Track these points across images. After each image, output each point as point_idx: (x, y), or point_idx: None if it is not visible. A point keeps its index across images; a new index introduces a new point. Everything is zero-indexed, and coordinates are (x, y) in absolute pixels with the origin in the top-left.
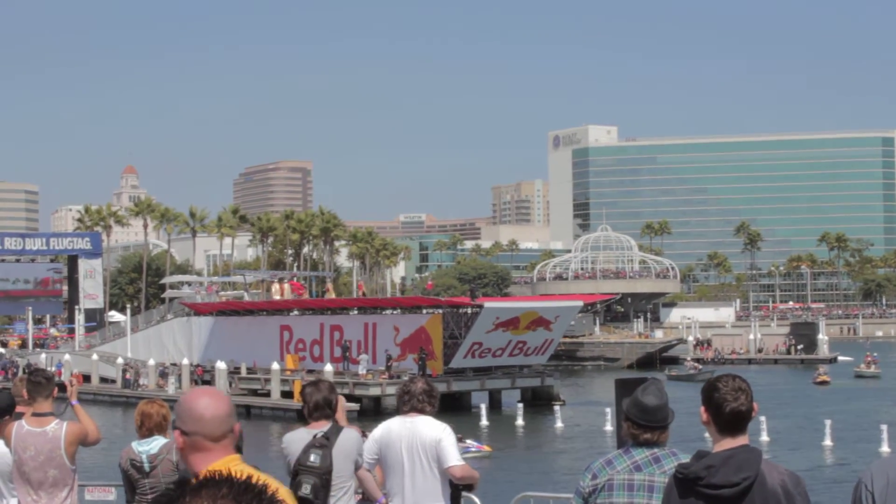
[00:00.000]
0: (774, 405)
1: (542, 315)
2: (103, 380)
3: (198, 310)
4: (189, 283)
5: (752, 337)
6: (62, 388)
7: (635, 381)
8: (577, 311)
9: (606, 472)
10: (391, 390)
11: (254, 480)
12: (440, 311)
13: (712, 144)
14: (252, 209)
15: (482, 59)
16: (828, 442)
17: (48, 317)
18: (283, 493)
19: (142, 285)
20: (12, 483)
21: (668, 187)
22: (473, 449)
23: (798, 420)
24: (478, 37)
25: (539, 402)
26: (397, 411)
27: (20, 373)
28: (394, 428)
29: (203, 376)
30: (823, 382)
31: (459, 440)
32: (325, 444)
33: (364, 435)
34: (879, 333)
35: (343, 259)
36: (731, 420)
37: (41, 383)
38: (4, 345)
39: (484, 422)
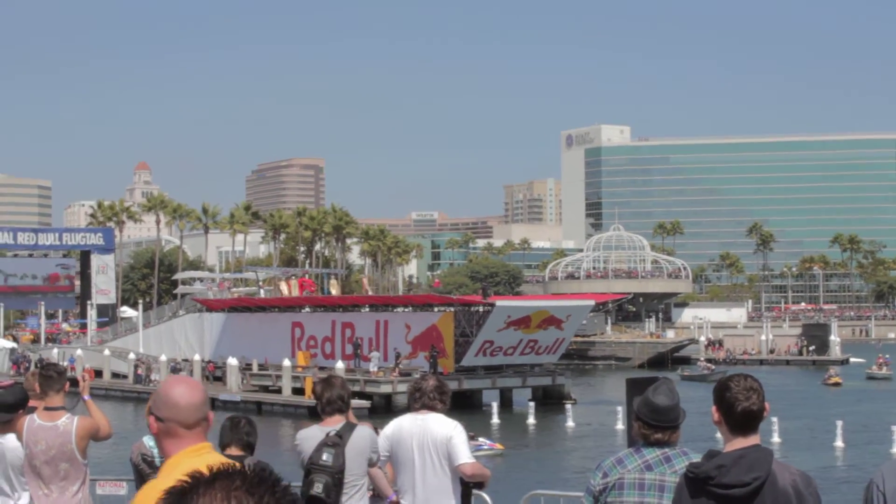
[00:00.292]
0: (786, 406)
1: (553, 314)
2: (115, 375)
3: (210, 306)
4: (201, 280)
5: (763, 338)
6: (74, 382)
7: (646, 381)
8: (589, 310)
9: (617, 470)
10: (402, 388)
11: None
12: (452, 309)
13: (725, 145)
14: (264, 206)
15: (496, 59)
16: (839, 443)
17: (60, 312)
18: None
19: (154, 281)
20: (24, 477)
21: (680, 187)
22: (486, 447)
23: (809, 421)
24: (492, 36)
25: (550, 400)
26: (408, 409)
27: (32, 367)
28: (405, 425)
29: (215, 372)
30: (836, 384)
31: (472, 438)
32: (337, 442)
33: (376, 432)
34: (892, 335)
35: (355, 256)
36: (742, 420)
37: (53, 377)
38: (17, 339)
39: (495, 420)
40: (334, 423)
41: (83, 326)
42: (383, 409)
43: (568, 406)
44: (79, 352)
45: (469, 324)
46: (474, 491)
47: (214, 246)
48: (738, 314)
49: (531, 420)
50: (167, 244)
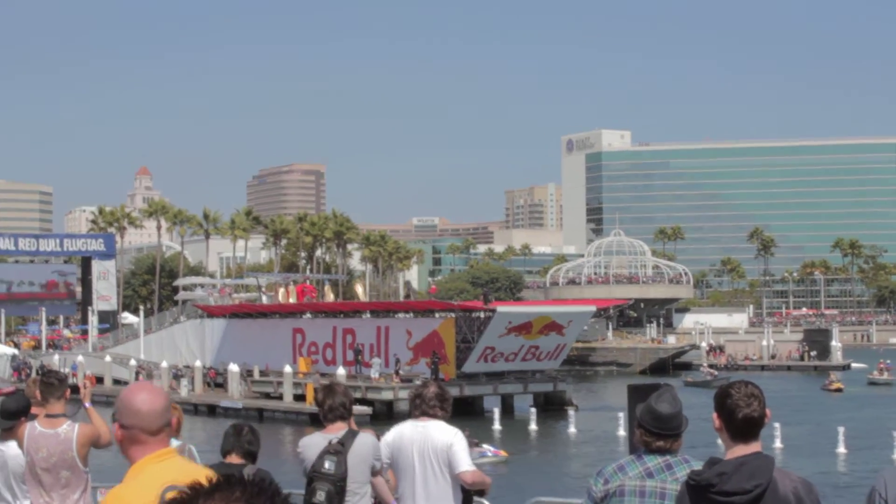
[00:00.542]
0: (787, 412)
1: (554, 320)
2: (116, 382)
3: (211, 312)
4: (202, 286)
5: (765, 343)
6: (76, 389)
7: (648, 387)
8: (590, 316)
9: (618, 477)
10: (403, 394)
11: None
12: (453, 315)
13: (726, 150)
14: (265, 212)
15: (496, 64)
16: (841, 449)
17: (61, 318)
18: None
19: (155, 287)
20: (25, 484)
21: (681, 192)
22: (490, 454)
23: (811, 427)
24: (492, 41)
25: (551, 407)
26: (410, 415)
27: (33, 374)
28: (406, 432)
29: (216, 379)
30: (837, 389)
31: (476, 445)
32: (339, 450)
33: (378, 439)
34: (893, 340)
35: (356, 262)
36: (743, 426)
37: (54, 384)
38: (18, 346)
39: (497, 426)
40: (337, 431)
41: (84, 333)
42: (385, 416)
43: (571, 412)
44: (80, 358)
45: (470, 330)
46: (476, 498)
47: (215, 252)
48: (739, 319)
49: (533, 426)
50: (168, 250)
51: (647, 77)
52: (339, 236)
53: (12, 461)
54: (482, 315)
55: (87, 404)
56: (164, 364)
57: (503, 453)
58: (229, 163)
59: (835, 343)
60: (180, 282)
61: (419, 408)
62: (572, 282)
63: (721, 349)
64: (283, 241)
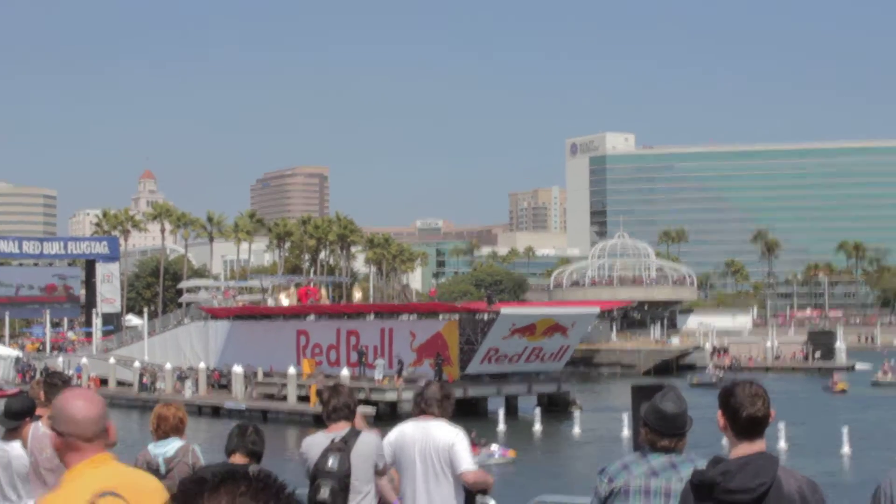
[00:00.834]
0: (792, 413)
1: (558, 321)
2: (120, 383)
3: (215, 314)
4: (206, 288)
5: (769, 344)
6: None
7: (652, 388)
8: (594, 317)
9: (623, 476)
10: (407, 395)
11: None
12: (457, 316)
13: (730, 153)
14: (269, 215)
15: (500, 67)
16: (846, 449)
17: (66, 320)
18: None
19: (159, 289)
20: (29, 485)
21: (685, 195)
22: (498, 455)
23: (815, 427)
24: (496, 44)
25: (555, 408)
26: (412, 415)
27: (37, 376)
28: (407, 432)
29: (220, 380)
30: (842, 390)
31: (485, 445)
32: (342, 448)
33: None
34: None
35: (360, 265)
36: (747, 426)
37: (58, 385)
38: (22, 348)
39: (501, 427)
40: (340, 430)
41: (88, 335)
42: (389, 417)
43: (576, 413)
44: (84, 360)
45: (474, 331)
46: (480, 498)
47: (219, 254)
48: (743, 321)
49: (538, 427)
50: (172, 253)
51: (651, 80)
52: (342, 239)
53: (16, 461)
54: (486, 317)
55: None
56: (168, 366)
57: (512, 453)
58: (233, 166)
59: (839, 344)
60: (184, 284)
61: (421, 407)
62: (576, 284)
63: (725, 351)
64: (287, 244)
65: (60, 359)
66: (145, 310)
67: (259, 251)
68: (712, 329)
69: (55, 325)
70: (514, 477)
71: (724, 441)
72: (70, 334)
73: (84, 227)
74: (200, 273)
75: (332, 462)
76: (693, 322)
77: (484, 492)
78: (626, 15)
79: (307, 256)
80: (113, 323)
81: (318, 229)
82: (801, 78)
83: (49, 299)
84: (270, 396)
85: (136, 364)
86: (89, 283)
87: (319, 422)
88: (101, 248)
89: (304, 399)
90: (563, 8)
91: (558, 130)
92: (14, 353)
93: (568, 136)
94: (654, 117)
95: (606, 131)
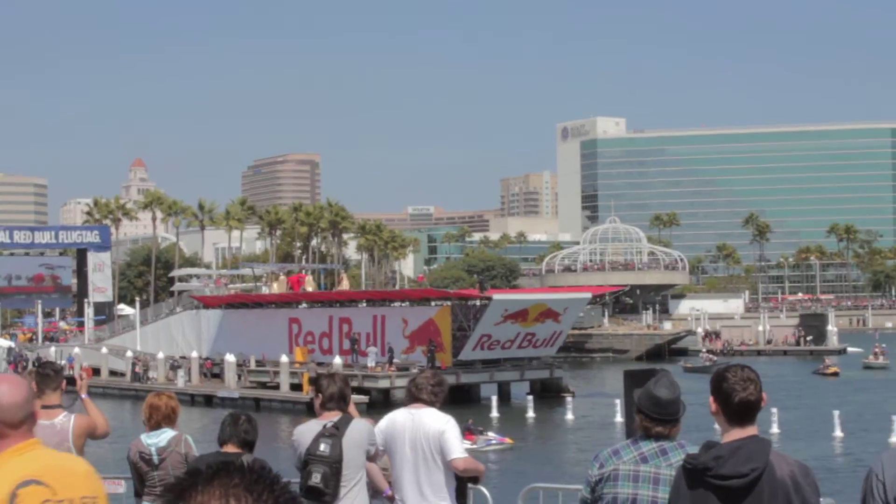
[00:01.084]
0: (783, 396)
1: (550, 307)
2: (113, 373)
3: (207, 303)
4: (198, 276)
5: (761, 328)
6: (72, 381)
7: (644, 373)
8: (586, 302)
9: (613, 461)
10: (400, 383)
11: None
12: (449, 303)
13: (720, 136)
14: (260, 202)
15: (490, 51)
16: (837, 433)
17: (57, 310)
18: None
19: (150, 278)
20: None
21: (676, 179)
22: (495, 441)
23: (807, 411)
24: (486, 29)
25: (548, 394)
26: (405, 403)
27: (30, 366)
28: (398, 419)
29: (212, 369)
30: (834, 373)
31: (481, 433)
32: (335, 433)
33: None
34: (889, 325)
35: (352, 251)
36: (739, 410)
37: (49, 375)
38: (14, 338)
39: (494, 414)
40: (333, 418)
41: (80, 325)
42: (381, 405)
43: (569, 399)
44: (76, 350)
45: (466, 318)
46: (471, 486)
47: (211, 242)
48: (735, 305)
49: (530, 413)
50: (163, 241)
51: (641, 64)
52: (334, 226)
53: None
54: (478, 303)
55: (84, 395)
56: (161, 355)
57: (508, 440)
58: (224, 153)
59: (831, 328)
60: (176, 273)
61: (413, 394)
62: (568, 269)
63: (717, 335)
64: (279, 232)
65: (53, 349)
66: (137, 299)
67: (251, 239)
68: (704, 313)
69: (47, 315)
70: (506, 464)
71: (717, 426)
72: (62, 324)
73: (75, 216)
74: (192, 261)
75: (323, 447)
76: (685, 306)
77: (475, 480)
78: None
79: (299, 244)
80: (105, 312)
81: (310, 216)
82: (791, 60)
83: (36, 289)
84: (263, 385)
85: (129, 353)
86: (81, 273)
87: (312, 410)
88: (92, 237)
89: (296, 387)
90: None
91: (549, 115)
92: (6, 343)
93: (559, 120)
94: (644, 102)
95: (597, 115)
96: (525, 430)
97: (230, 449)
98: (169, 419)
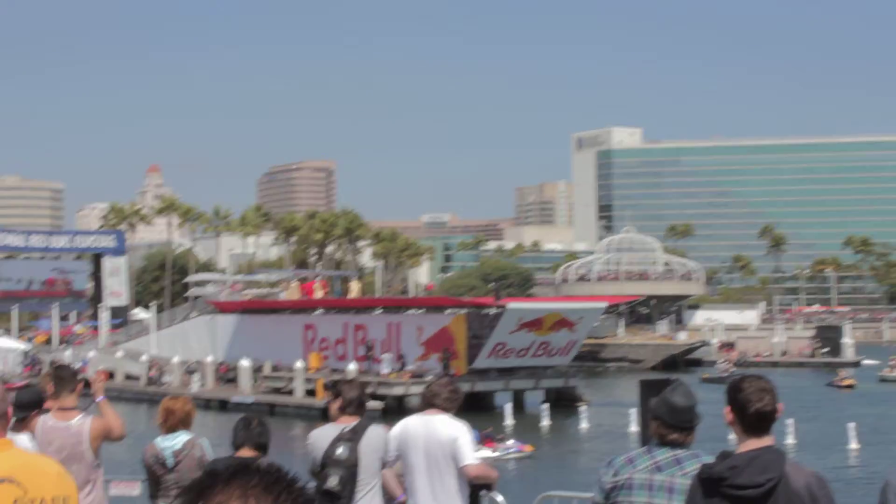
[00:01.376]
0: (799, 408)
1: (565, 316)
2: (128, 377)
3: (222, 308)
4: (213, 282)
5: (776, 340)
6: (88, 384)
7: (659, 383)
8: (601, 312)
9: (628, 470)
10: (415, 389)
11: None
12: (464, 311)
13: (736, 147)
14: (276, 209)
15: (506, 60)
16: (853, 445)
17: (73, 314)
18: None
19: (166, 283)
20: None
21: (692, 189)
22: (514, 449)
23: (823, 423)
24: (502, 38)
25: (563, 402)
26: (420, 409)
27: (45, 369)
28: (411, 425)
29: (227, 374)
30: (849, 386)
31: (500, 440)
32: (352, 437)
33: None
34: None
35: (366, 259)
36: (755, 420)
37: (66, 378)
38: (30, 341)
39: (509, 422)
40: (349, 423)
41: (96, 328)
42: (396, 411)
43: (583, 408)
44: (92, 353)
45: (481, 326)
46: (485, 492)
47: (226, 248)
48: (750, 316)
49: (545, 422)
50: (179, 247)
51: (657, 75)
52: (349, 233)
53: None
54: (493, 311)
55: (100, 398)
56: (176, 359)
57: (529, 448)
58: (240, 160)
59: (846, 340)
60: (191, 278)
61: (428, 401)
62: (583, 278)
63: (732, 346)
64: (294, 238)
65: (68, 352)
66: (153, 304)
67: (266, 245)
68: (719, 324)
69: (63, 318)
70: (520, 472)
71: (732, 436)
72: (77, 328)
73: (91, 221)
74: (207, 267)
75: (341, 451)
76: (700, 317)
77: (488, 487)
78: (632, 9)
79: (314, 251)
80: (120, 316)
81: (325, 223)
82: (808, 72)
83: (48, 294)
84: (277, 390)
85: (144, 357)
86: (96, 277)
87: (326, 416)
88: (108, 241)
89: (311, 393)
90: (569, 3)
91: (564, 125)
92: (22, 346)
93: (574, 130)
94: (660, 112)
95: (613, 126)
96: (539, 439)
97: (245, 453)
98: (184, 423)
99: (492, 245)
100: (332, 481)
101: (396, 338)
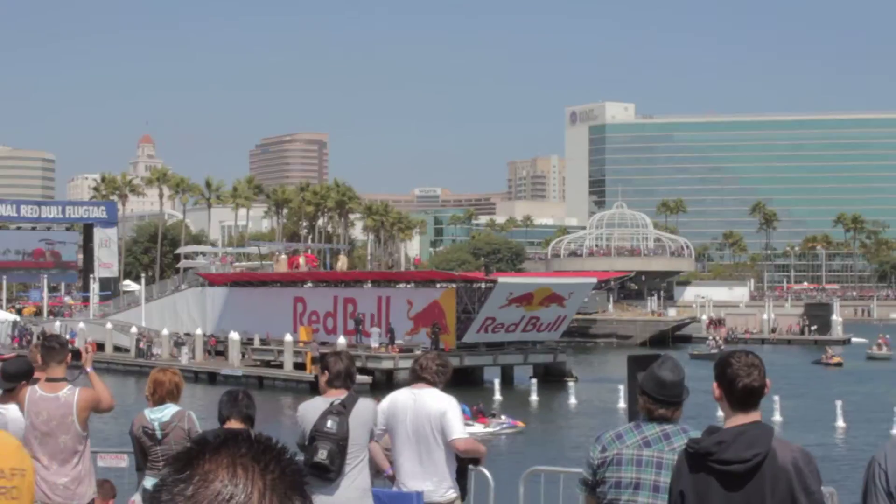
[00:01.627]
0: (787, 385)
1: (555, 291)
2: (117, 349)
3: (212, 280)
4: (204, 254)
5: (765, 317)
6: (77, 355)
7: (648, 358)
8: (591, 288)
9: (616, 445)
10: (403, 364)
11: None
12: (454, 285)
13: (729, 123)
14: (268, 181)
15: (500, 34)
16: (840, 422)
17: (63, 285)
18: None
19: (156, 255)
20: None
21: (684, 165)
22: (507, 424)
23: (810, 400)
24: (495, 10)
25: (551, 378)
26: (408, 383)
27: (34, 340)
28: (400, 399)
29: (216, 347)
30: (837, 364)
31: (493, 416)
32: (341, 410)
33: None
34: (894, 315)
35: (358, 232)
36: (743, 396)
37: (55, 348)
38: (20, 312)
39: (497, 397)
40: (338, 396)
41: (85, 300)
42: (385, 385)
43: (571, 383)
44: (81, 325)
45: (471, 300)
46: (473, 467)
47: (217, 220)
48: (740, 293)
49: (534, 397)
50: (170, 218)
51: (651, 50)
52: (341, 206)
53: (12, 424)
54: (483, 286)
55: (89, 369)
56: (165, 332)
57: (521, 424)
58: (232, 132)
59: (835, 317)
60: (182, 250)
61: (417, 374)
62: (574, 254)
63: (721, 322)
64: (285, 211)
65: (58, 323)
66: (143, 275)
67: (257, 217)
68: (709, 301)
69: (52, 289)
70: (508, 447)
71: (720, 412)
72: (67, 299)
73: (82, 192)
74: (198, 239)
75: (330, 424)
76: (690, 293)
77: (476, 461)
78: None
79: (305, 223)
80: (110, 288)
81: (317, 196)
82: (801, 48)
83: (35, 265)
84: (267, 363)
85: (133, 329)
86: (87, 248)
87: (316, 389)
88: (99, 212)
89: (300, 366)
90: None
91: (558, 99)
92: (11, 317)
93: (567, 104)
94: (653, 87)
95: (606, 100)
96: (528, 414)
97: (233, 425)
98: (173, 395)
99: (483, 219)
100: (322, 454)
101: (386, 312)
